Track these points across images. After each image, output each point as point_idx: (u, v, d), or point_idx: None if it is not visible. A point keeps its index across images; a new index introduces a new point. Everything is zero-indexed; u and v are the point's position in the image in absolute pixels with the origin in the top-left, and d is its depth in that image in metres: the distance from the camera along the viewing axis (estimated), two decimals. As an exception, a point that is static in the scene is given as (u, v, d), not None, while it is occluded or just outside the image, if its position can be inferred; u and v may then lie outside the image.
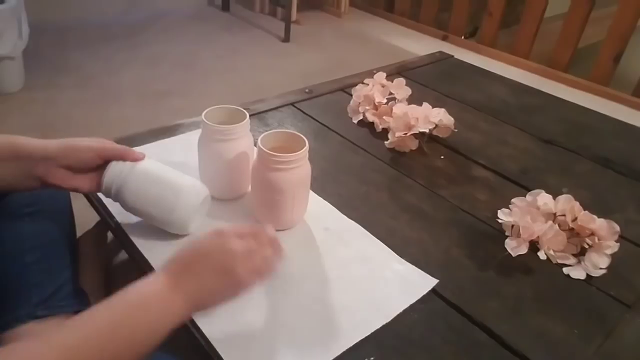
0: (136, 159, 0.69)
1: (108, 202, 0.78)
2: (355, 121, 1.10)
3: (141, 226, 0.75)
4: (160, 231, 0.73)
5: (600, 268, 0.73)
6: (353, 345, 0.60)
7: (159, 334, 0.48)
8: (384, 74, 1.14)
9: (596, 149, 1.07)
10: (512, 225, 0.77)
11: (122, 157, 0.68)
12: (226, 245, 0.53)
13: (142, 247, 0.71)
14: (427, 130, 0.98)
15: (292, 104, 1.14)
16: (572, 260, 0.75)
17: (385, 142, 1.01)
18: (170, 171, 0.72)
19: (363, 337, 0.61)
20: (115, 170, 0.68)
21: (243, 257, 0.53)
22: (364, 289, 0.68)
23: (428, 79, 1.33)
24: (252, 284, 0.54)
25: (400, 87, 1.11)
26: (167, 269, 0.52)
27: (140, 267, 0.69)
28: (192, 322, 0.61)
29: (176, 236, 0.73)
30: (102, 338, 0.45)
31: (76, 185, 0.67)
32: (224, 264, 0.52)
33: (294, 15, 2.60)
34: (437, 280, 0.70)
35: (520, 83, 1.38)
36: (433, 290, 0.69)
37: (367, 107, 1.09)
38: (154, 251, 0.71)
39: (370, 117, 1.08)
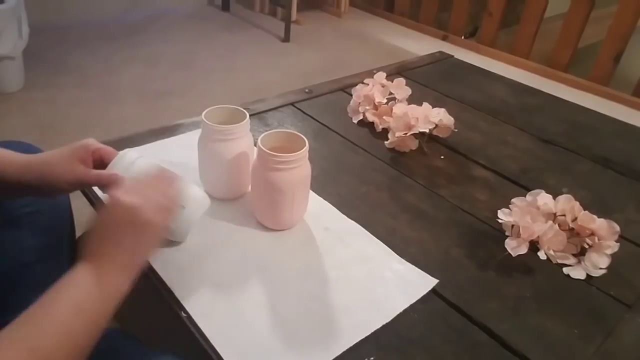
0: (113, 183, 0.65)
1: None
2: (355, 121, 1.10)
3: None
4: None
5: (600, 268, 0.73)
6: (353, 345, 0.60)
7: (109, 313, 0.50)
8: (384, 74, 1.14)
9: (596, 149, 1.07)
10: (512, 225, 0.77)
11: (101, 184, 0.66)
12: (121, 203, 0.53)
13: (142, 247, 0.71)
14: (427, 130, 0.98)
15: (292, 104, 1.14)
16: (572, 260, 0.75)
17: (385, 142, 1.01)
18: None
19: (363, 337, 0.61)
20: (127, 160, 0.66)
21: (140, 204, 0.53)
22: (364, 289, 0.68)
23: (428, 79, 1.33)
24: (163, 219, 0.55)
25: (400, 87, 1.11)
26: (88, 257, 0.52)
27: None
28: (192, 322, 0.61)
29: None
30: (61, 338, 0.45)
31: None
32: (128, 218, 0.53)
33: (294, 15, 2.60)
34: (437, 280, 0.70)
35: (520, 83, 1.38)
36: (433, 290, 0.69)
37: (367, 107, 1.09)
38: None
39: (370, 117, 1.08)
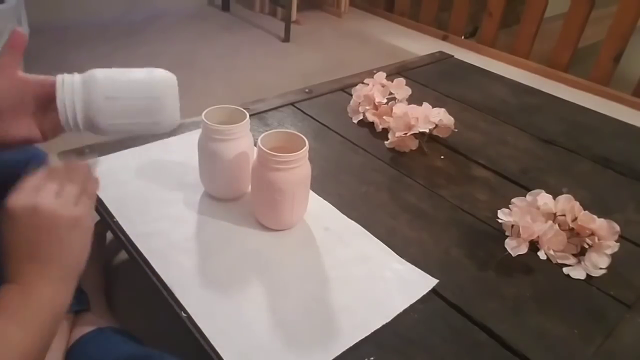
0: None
1: (108, 201, 0.78)
2: (355, 121, 1.10)
3: (141, 226, 0.75)
4: (161, 230, 0.73)
5: (600, 268, 0.73)
6: (353, 345, 0.60)
7: (53, 328, 0.45)
8: (384, 74, 1.14)
9: (596, 149, 1.07)
10: (512, 225, 0.77)
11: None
12: (15, 210, 0.45)
13: (142, 247, 0.71)
14: (427, 130, 0.98)
15: (292, 104, 1.14)
16: (572, 260, 0.75)
17: (385, 142, 1.01)
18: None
19: (363, 337, 0.61)
20: (68, 83, 0.56)
21: (36, 202, 0.45)
22: (364, 289, 0.68)
23: (428, 79, 1.33)
24: (81, 215, 0.47)
25: (400, 87, 1.11)
26: (12, 281, 0.44)
27: (140, 267, 0.69)
28: (192, 322, 0.61)
29: (176, 232, 0.73)
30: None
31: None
32: (30, 225, 0.45)
33: (294, 15, 2.60)
34: (437, 280, 0.70)
35: (520, 83, 1.38)
36: (433, 290, 0.69)
37: (367, 107, 1.09)
38: (154, 251, 0.71)
39: (370, 117, 1.08)
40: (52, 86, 0.56)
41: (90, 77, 0.57)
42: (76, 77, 0.57)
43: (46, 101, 0.56)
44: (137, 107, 0.59)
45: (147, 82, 0.60)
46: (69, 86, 0.56)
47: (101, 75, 0.58)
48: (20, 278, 0.44)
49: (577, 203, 0.77)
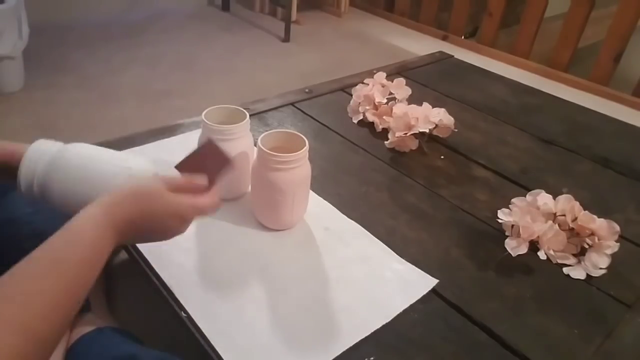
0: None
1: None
2: (355, 121, 1.10)
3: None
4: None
5: (600, 268, 0.73)
6: (353, 345, 0.60)
7: (96, 268, 0.49)
8: (384, 74, 1.14)
9: (596, 149, 1.07)
10: (512, 225, 0.77)
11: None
12: (180, 223, 0.55)
13: (142, 247, 0.71)
14: (427, 130, 0.98)
15: (292, 104, 1.14)
16: (572, 260, 0.75)
17: (385, 142, 1.01)
18: (107, 151, 0.58)
19: (363, 337, 0.61)
20: (36, 153, 0.53)
21: (186, 223, 0.55)
22: (364, 289, 0.68)
23: (428, 79, 1.33)
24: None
25: (400, 87, 1.11)
26: (113, 221, 0.50)
27: (140, 267, 0.69)
28: (192, 322, 0.61)
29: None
30: (50, 279, 0.43)
31: None
32: (168, 230, 0.54)
33: (294, 15, 2.60)
34: (437, 280, 0.70)
35: (520, 83, 1.38)
36: (433, 290, 0.69)
37: (367, 107, 1.09)
38: (154, 251, 0.71)
39: (370, 117, 1.08)
40: (20, 155, 0.53)
41: (62, 156, 0.54)
42: (39, 171, 0.53)
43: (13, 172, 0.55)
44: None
45: (119, 181, 0.55)
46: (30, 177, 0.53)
47: (76, 158, 0.54)
48: (120, 228, 0.50)
49: (577, 203, 0.77)
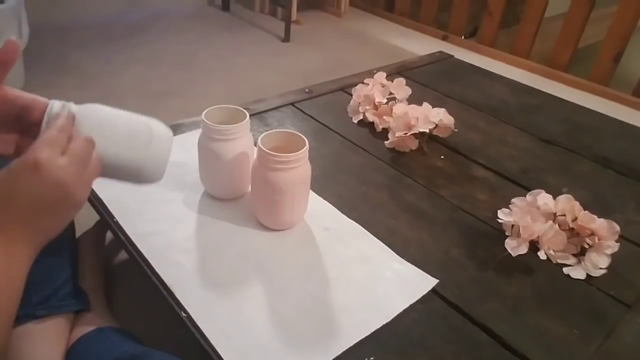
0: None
1: (108, 201, 0.78)
2: (355, 121, 1.10)
3: (141, 226, 0.75)
4: (161, 230, 0.73)
5: (600, 268, 0.73)
6: (353, 345, 0.60)
7: (12, 295, 0.43)
8: (384, 74, 1.14)
9: (596, 149, 1.07)
10: (512, 225, 0.77)
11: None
12: (51, 177, 0.44)
13: (142, 247, 0.71)
14: (427, 130, 0.98)
15: (292, 104, 1.14)
16: (572, 260, 0.75)
17: (385, 142, 1.01)
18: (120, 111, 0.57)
19: (363, 337, 0.61)
20: (57, 110, 0.51)
21: (77, 179, 0.46)
22: (364, 289, 0.68)
23: (428, 79, 1.33)
24: (86, 197, 0.48)
25: (400, 87, 1.11)
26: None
27: (140, 267, 0.69)
28: (192, 322, 0.61)
29: (176, 232, 0.73)
30: None
31: None
32: (57, 197, 0.45)
33: (294, 15, 2.60)
34: (437, 280, 0.70)
35: (520, 83, 1.38)
36: (433, 290, 0.69)
37: (367, 107, 1.09)
38: (154, 251, 0.71)
39: (370, 117, 1.08)
40: (39, 110, 0.51)
41: (82, 111, 0.53)
42: (66, 109, 0.52)
43: (29, 124, 0.52)
44: (122, 162, 0.54)
45: (143, 136, 0.55)
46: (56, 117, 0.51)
47: (93, 114, 0.53)
48: (9, 229, 0.43)
49: (577, 203, 0.77)
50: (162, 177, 0.57)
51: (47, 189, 0.44)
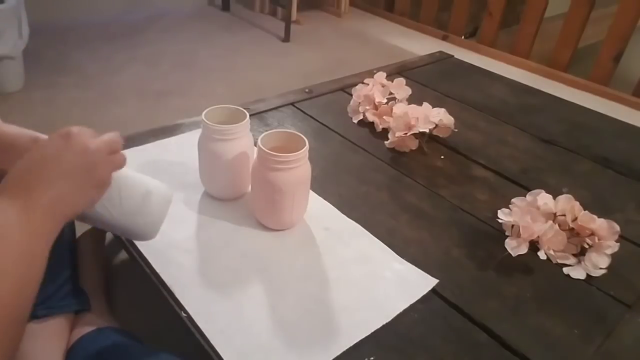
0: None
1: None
2: (355, 121, 1.10)
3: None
4: (160, 230, 0.73)
5: (600, 268, 0.73)
6: (353, 345, 0.60)
7: (36, 259, 0.43)
8: (384, 74, 1.14)
9: (596, 149, 1.07)
10: (512, 225, 0.77)
11: None
12: (80, 145, 0.47)
13: (142, 247, 0.71)
14: (427, 130, 0.98)
15: (292, 104, 1.14)
16: (572, 260, 0.75)
17: (385, 142, 1.01)
18: (128, 171, 0.58)
19: (363, 337, 0.61)
20: None
21: (102, 156, 0.49)
22: (364, 289, 0.68)
23: (428, 79, 1.33)
24: (108, 180, 0.51)
25: (400, 87, 1.11)
26: (10, 189, 0.44)
27: (140, 267, 0.69)
28: (192, 322, 0.61)
29: (176, 232, 0.73)
30: None
31: None
32: (83, 165, 0.47)
33: (294, 15, 2.60)
34: (437, 280, 0.70)
35: (520, 83, 1.38)
36: (433, 290, 0.69)
37: (367, 107, 1.09)
38: (154, 251, 0.71)
39: (370, 117, 1.08)
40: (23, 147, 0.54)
41: None
42: None
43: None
44: (116, 224, 0.56)
45: (137, 204, 0.57)
46: None
47: None
48: (13, 198, 0.43)
49: (577, 203, 0.77)
50: (155, 236, 0.60)
51: (74, 154, 0.47)
